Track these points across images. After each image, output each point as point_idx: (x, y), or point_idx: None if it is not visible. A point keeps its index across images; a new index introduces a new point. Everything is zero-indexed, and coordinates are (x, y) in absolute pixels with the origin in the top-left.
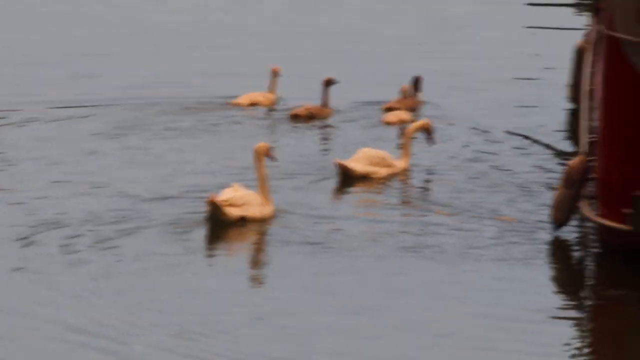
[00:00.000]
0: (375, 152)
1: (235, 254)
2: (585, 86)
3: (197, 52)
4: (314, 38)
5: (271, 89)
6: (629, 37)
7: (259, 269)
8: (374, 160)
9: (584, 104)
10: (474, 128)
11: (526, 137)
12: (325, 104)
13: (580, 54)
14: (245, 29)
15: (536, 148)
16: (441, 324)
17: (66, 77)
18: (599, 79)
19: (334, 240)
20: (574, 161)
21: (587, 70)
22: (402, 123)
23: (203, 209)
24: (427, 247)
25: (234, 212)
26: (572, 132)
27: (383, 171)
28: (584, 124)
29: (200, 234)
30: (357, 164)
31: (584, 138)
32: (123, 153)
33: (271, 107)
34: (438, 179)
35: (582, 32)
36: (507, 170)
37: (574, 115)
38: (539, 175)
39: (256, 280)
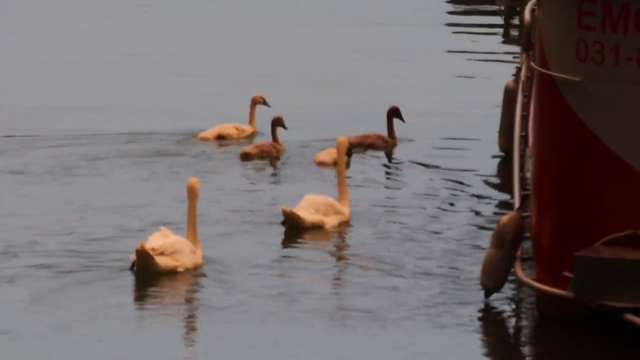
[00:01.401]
0: (320, 198)
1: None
2: (517, 132)
3: (156, 81)
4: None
5: (250, 119)
6: (567, 76)
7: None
8: (321, 207)
9: (516, 152)
10: (414, 168)
11: (462, 184)
12: (276, 141)
13: (510, 95)
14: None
15: (473, 198)
16: None
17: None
18: (532, 123)
19: (244, 301)
20: (505, 218)
21: (518, 113)
22: (335, 164)
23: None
24: (346, 309)
25: (165, 262)
26: (505, 183)
27: (333, 220)
28: (516, 175)
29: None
30: (305, 212)
31: (517, 191)
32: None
33: (247, 141)
34: (375, 230)
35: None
36: (444, 221)
37: (506, 164)
38: (476, 229)
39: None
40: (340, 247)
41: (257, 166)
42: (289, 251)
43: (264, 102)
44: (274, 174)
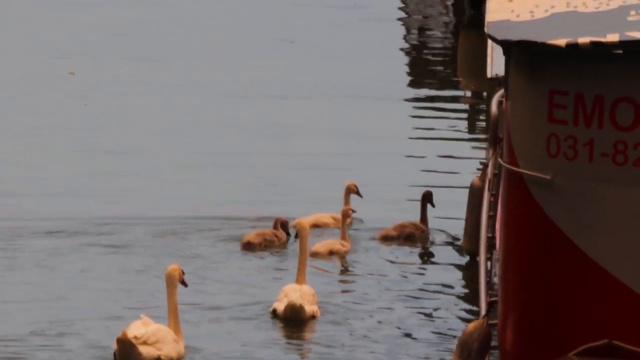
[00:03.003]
0: (307, 288)
1: None
2: (483, 234)
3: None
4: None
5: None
6: (537, 174)
7: None
8: (310, 298)
9: (482, 255)
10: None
11: (428, 284)
12: (277, 229)
13: (475, 194)
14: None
15: (435, 304)
16: None
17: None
18: (499, 224)
19: None
20: (471, 326)
21: (484, 214)
22: (331, 254)
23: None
24: None
25: (148, 351)
26: (470, 289)
27: (317, 310)
28: (482, 279)
29: None
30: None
31: (483, 297)
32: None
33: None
34: (343, 326)
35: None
36: (406, 329)
37: (472, 268)
38: (440, 338)
39: None
40: (316, 342)
41: (258, 256)
42: (275, 344)
43: (357, 192)
44: (274, 266)
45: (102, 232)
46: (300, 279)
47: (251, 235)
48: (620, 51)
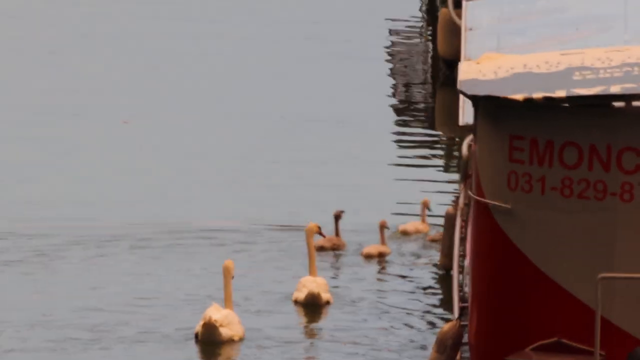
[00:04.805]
0: (322, 280)
1: None
2: (456, 252)
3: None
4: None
5: (423, 219)
6: (499, 203)
7: None
8: (324, 287)
9: (455, 269)
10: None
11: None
12: (337, 234)
13: (450, 220)
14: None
15: (418, 309)
16: None
17: None
18: (469, 245)
19: None
20: (446, 326)
21: (457, 236)
22: (381, 256)
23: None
24: None
25: (225, 332)
26: (445, 296)
27: (330, 297)
28: (455, 289)
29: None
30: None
31: (456, 303)
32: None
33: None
34: (353, 316)
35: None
36: (395, 324)
37: (447, 280)
38: (421, 335)
39: None
40: (334, 326)
41: (324, 257)
42: (307, 326)
43: (428, 207)
44: (333, 264)
45: (168, 237)
46: (312, 271)
47: (322, 240)
48: (567, 104)
